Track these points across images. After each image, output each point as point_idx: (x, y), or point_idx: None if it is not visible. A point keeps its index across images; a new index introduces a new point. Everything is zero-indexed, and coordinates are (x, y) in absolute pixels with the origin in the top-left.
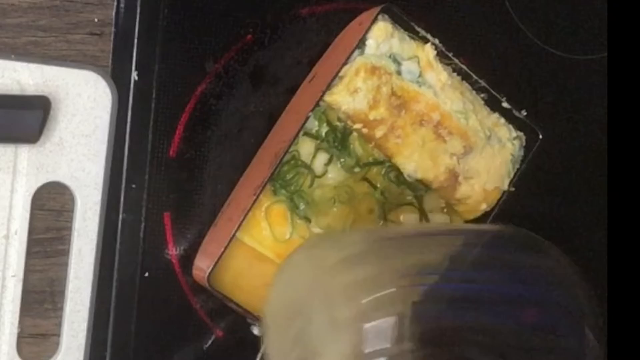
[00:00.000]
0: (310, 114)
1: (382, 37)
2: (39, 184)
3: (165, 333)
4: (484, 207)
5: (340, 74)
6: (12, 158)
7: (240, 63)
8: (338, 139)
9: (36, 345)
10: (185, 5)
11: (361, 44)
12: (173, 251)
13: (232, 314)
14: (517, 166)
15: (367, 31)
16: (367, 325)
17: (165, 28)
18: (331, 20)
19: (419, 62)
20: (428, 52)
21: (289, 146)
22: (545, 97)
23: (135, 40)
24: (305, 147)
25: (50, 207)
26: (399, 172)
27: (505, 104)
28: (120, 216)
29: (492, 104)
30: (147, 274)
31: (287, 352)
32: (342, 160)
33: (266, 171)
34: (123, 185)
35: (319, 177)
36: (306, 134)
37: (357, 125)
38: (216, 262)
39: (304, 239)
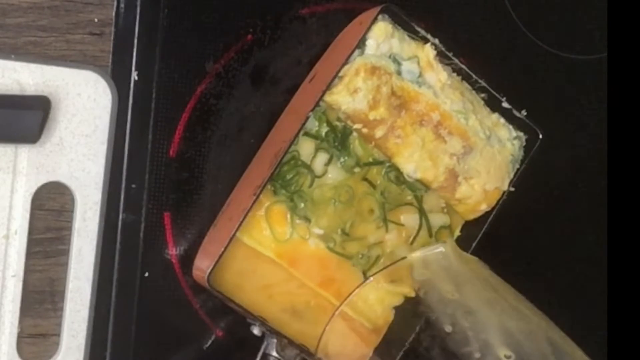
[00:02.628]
0: (310, 114)
1: (382, 37)
2: (39, 184)
3: (165, 333)
4: (484, 207)
5: (340, 74)
6: (12, 158)
7: (240, 63)
8: (338, 139)
9: (36, 345)
10: (185, 5)
11: (361, 44)
12: (173, 251)
13: (232, 314)
14: (517, 166)
15: (367, 31)
16: None
17: (165, 28)
18: (331, 20)
19: (419, 62)
20: (428, 52)
21: (289, 146)
22: (545, 97)
23: (135, 40)
24: (305, 147)
25: (50, 207)
26: (399, 172)
27: (505, 104)
28: (120, 216)
29: (492, 104)
30: (147, 274)
31: None
32: (342, 160)
33: (266, 171)
34: (123, 185)
35: (319, 177)
36: (306, 134)
37: (357, 125)
38: (216, 262)
39: (304, 239)
